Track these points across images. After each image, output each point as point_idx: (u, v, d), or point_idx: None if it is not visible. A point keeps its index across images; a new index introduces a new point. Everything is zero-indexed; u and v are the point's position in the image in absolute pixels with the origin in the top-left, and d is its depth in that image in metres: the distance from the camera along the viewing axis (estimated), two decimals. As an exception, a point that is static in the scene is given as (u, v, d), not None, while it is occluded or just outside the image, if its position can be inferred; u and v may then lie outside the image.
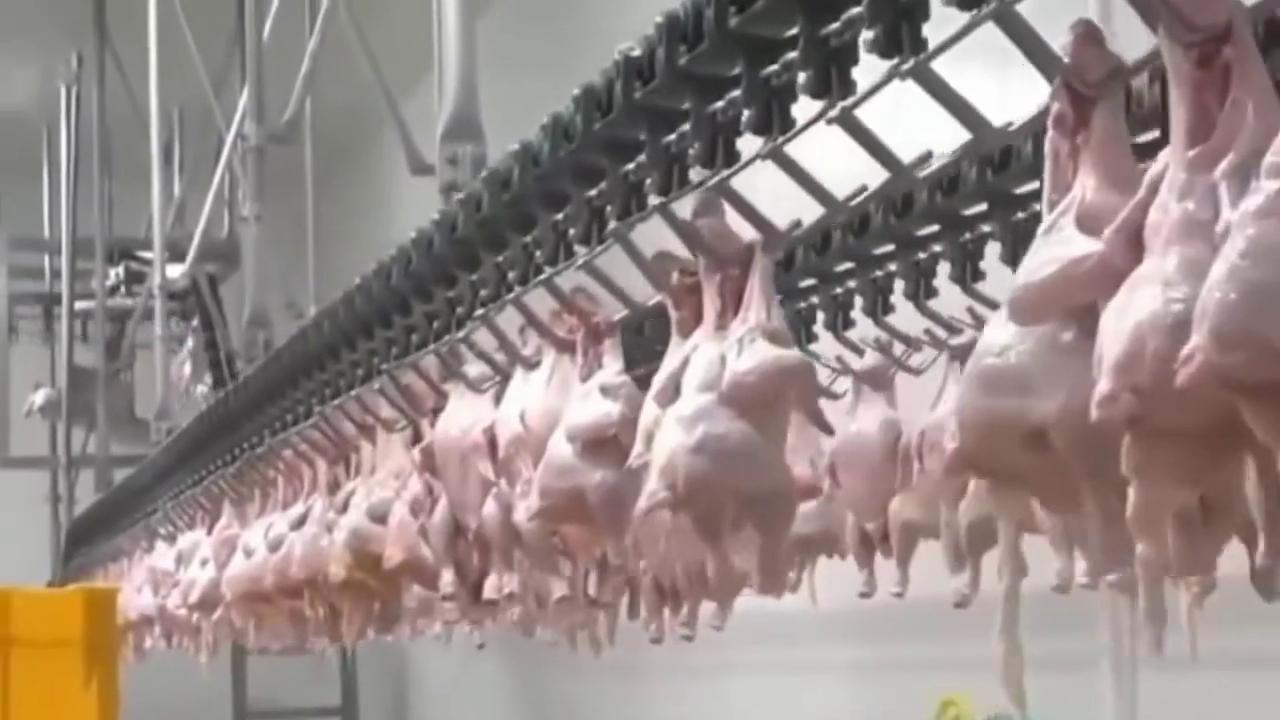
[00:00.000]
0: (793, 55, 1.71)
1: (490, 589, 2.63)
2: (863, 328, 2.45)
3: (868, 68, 1.66)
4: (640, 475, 1.98)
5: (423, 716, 9.53)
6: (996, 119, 1.70)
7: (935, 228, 2.19)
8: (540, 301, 2.33)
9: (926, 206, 2.14)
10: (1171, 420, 1.24)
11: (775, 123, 1.76)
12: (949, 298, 2.25)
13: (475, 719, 8.34)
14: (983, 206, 2.10)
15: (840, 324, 2.45)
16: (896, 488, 2.33)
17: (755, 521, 1.86)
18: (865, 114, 1.69)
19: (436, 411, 2.78)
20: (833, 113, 1.66)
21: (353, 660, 8.79)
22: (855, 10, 1.62)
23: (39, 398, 9.63)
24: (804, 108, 1.76)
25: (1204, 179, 1.27)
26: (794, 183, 1.85)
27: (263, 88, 5.67)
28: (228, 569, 4.13)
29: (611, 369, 2.21)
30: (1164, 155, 1.33)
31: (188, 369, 8.38)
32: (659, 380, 1.94)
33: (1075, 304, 1.37)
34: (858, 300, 2.41)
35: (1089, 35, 1.42)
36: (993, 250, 2.14)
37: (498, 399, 2.52)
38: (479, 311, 2.49)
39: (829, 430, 1.98)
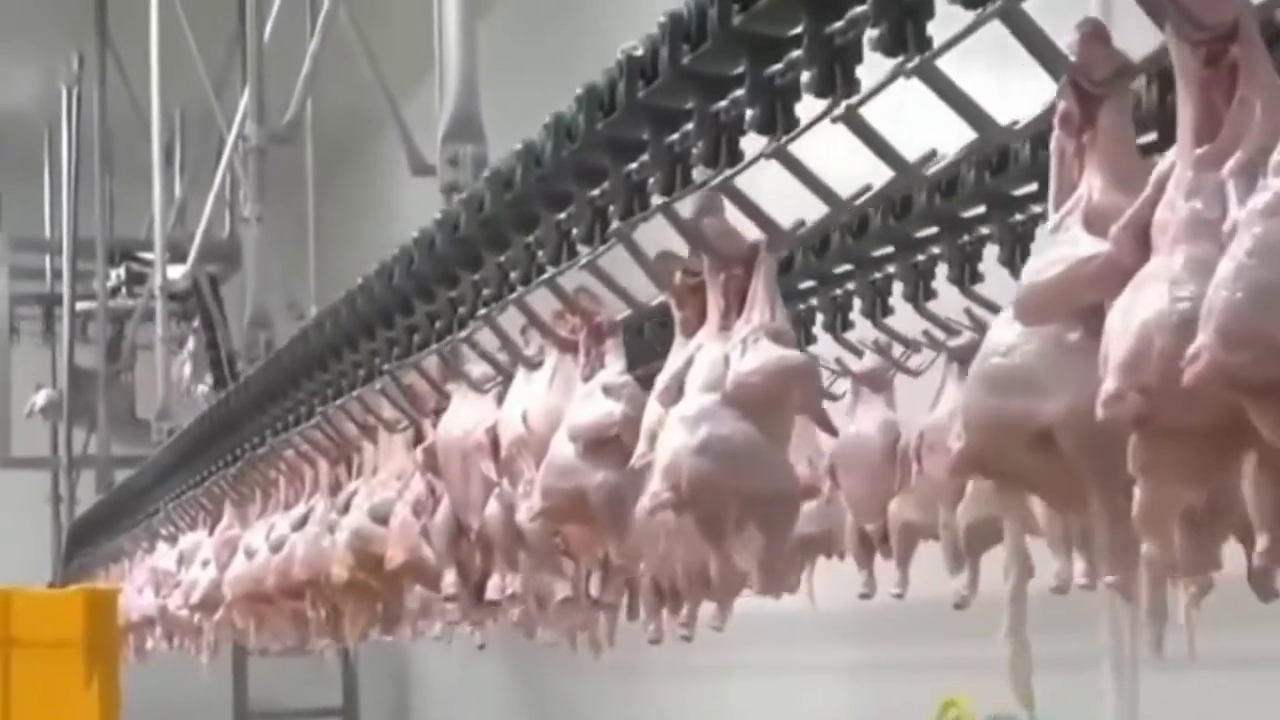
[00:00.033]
0: (797, 54, 1.71)
1: (493, 590, 2.62)
2: (861, 329, 2.45)
3: (871, 66, 1.66)
4: (642, 475, 1.98)
5: (424, 717, 9.53)
6: (997, 119, 1.69)
7: (934, 230, 2.19)
8: (543, 301, 2.33)
9: (925, 208, 2.14)
10: (1178, 419, 1.24)
11: (779, 122, 1.75)
12: (947, 300, 2.25)
13: (476, 720, 8.34)
14: (981, 209, 2.11)
15: (839, 326, 2.45)
16: (895, 489, 2.34)
17: (759, 522, 1.85)
18: (869, 113, 1.69)
19: (438, 412, 2.77)
20: (837, 111, 1.65)
21: (354, 661, 8.79)
22: (860, 9, 1.61)
23: (40, 398, 9.63)
24: (808, 107, 1.75)
25: (1211, 177, 1.26)
26: (796, 183, 1.84)
27: (264, 88, 5.66)
28: (229, 570, 4.13)
29: (614, 369, 2.21)
30: (1171, 154, 1.32)
31: (188, 370, 8.38)
32: (662, 380, 1.93)
33: (1082, 304, 1.37)
34: (856, 302, 2.41)
35: (1095, 34, 1.41)
36: (991, 252, 2.14)
37: (500, 399, 2.51)
38: (481, 311, 2.49)
39: (833, 431, 1.98)
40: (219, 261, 8.31)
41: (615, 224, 2.07)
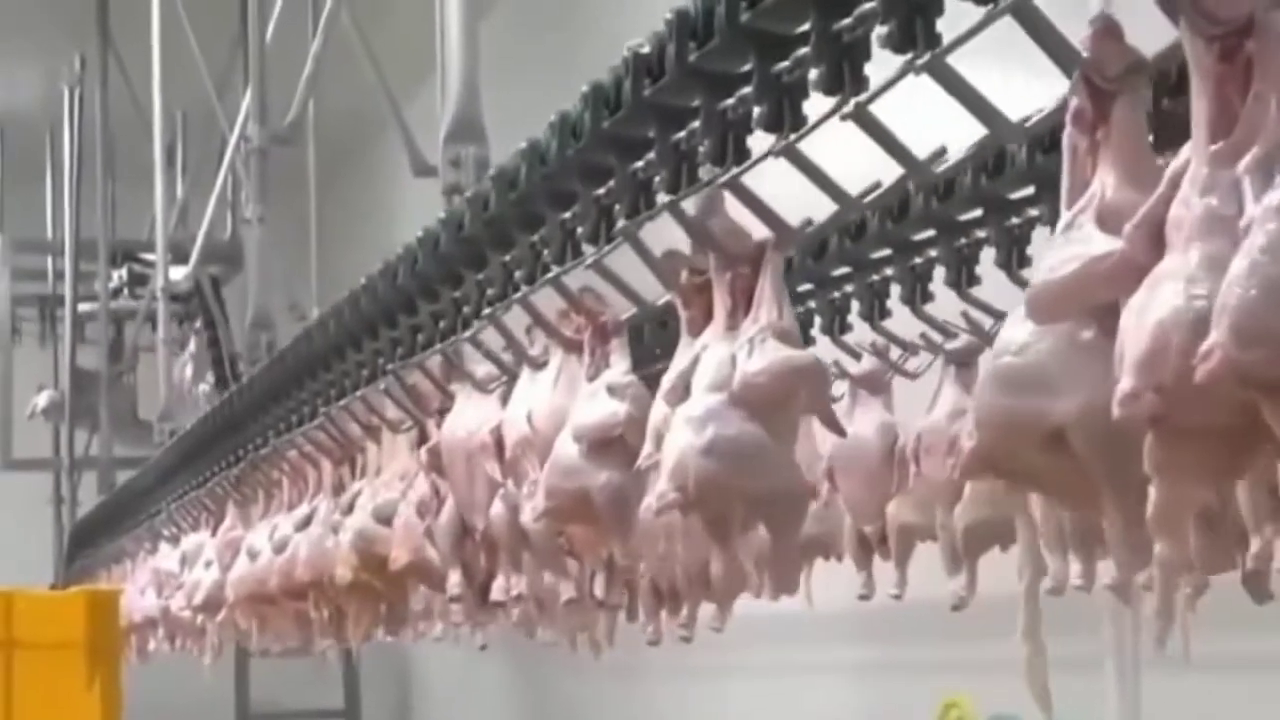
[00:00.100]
0: (805, 51, 1.70)
1: (498, 590, 2.61)
2: (859, 332, 2.45)
3: (878, 63, 1.65)
4: (646, 475, 1.97)
5: (425, 718, 9.52)
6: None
7: (931, 233, 2.19)
8: (548, 301, 2.32)
9: (922, 211, 2.14)
10: (1194, 419, 1.23)
11: (787, 120, 1.74)
12: (944, 302, 2.25)
13: (478, 721, 8.34)
14: (978, 212, 2.11)
15: (837, 328, 2.45)
16: (893, 491, 2.34)
17: (766, 523, 1.84)
18: (876, 111, 1.68)
19: (443, 412, 2.76)
20: (846, 109, 1.64)
21: (356, 662, 8.78)
22: (868, 5, 1.60)
23: (42, 400, 9.62)
24: (814, 105, 1.74)
25: (1227, 174, 1.25)
26: (798, 182, 1.83)
27: (265, 90, 5.65)
28: (232, 571, 4.12)
29: (619, 368, 2.20)
30: (1185, 150, 1.31)
31: (190, 371, 8.37)
32: (668, 379, 1.93)
33: (1095, 302, 1.35)
34: (854, 305, 2.41)
35: (1108, 29, 1.40)
36: (988, 255, 2.14)
37: (505, 399, 2.50)
38: (486, 311, 2.48)
39: (840, 431, 1.97)
40: (221, 263, 8.31)
41: (621, 223, 2.05)
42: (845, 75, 1.65)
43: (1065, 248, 1.38)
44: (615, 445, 2.11)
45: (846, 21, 1.64)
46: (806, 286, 2.42)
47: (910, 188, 2.04)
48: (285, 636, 4.07)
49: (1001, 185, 2.01)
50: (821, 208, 1.91)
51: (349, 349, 3.17)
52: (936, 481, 2.23)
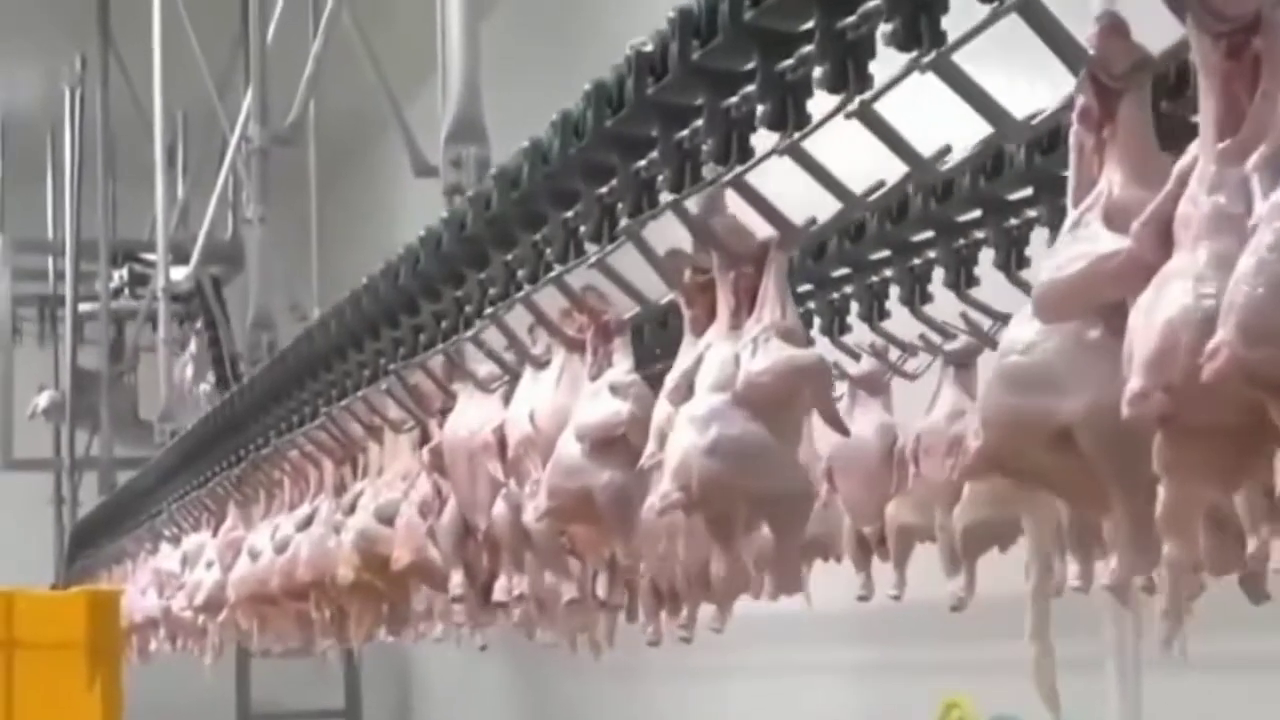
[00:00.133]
0: (809, 49, 1.69)
1: (500, 591, 2.61)
2: (858, 333, 2.45)
3: (883, 61, 1.64)
4: (648, 475, 1.96)
5: (426, 718, 9.52)
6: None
7: (929, 234, 2.19)
8: (550, 300, 2.31)
9: (921, 212, 2.14)
10: (1203, 418, 1.22)
11: (790, 118, 1.74)
12: (943, 304, 2.25)
13: (479, 722, 8.33)
14: (976, 213, 2.11)
15: (836, 329, 2.45)
16: (892, 492, 2.35)
17: (770, 523, 1.84)
18: (880, 109, 1.67)
19: (445, 412, 2.76)
20: (850, 107, 1.64)
21: (357, 662, 8.78)
22: (873, 3, 1.60)
23: (42, 400, 9.61)
24: (819, 103, 1.74)
25: (1235, 171, 1.25)
26: (804, 180, 1.83)
27: (266, 90, 5.65)
28: (233, 571, 4.11)
29: (621, 367, 2.19)
30: (1193, 148, 1.31)
31: (191, 371, 8.36)
32: (672, 379, 1.92)
33: (1102, 301, 1.35)
34: (853, 306, 2.41)
35: (1114, 27, 1.40)
36: (986, 256, 2.15)
37: (507, 399, 2.50)
38: (488, 310, 2.47)
39: (845, 431, 1.97)
40: (222, 263, 8.30)
41: (623, 222, 2.05)
42: (849, 73, 1.64)
43: (1072, 246, 1.37)
44: (618, 445, 2.10)
45: (851, 19, 1.63)
46: (806, 287, 2.42)
47: (909, 189, 2.04)
48: (286, 637, 4.06)
49: (1000, 186, 2.01)
50: (825, 207, 1.91)
51: (351, 348, 3.16)
52: (935, 482, 2.24)
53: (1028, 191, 2.01)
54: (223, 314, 8.28)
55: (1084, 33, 1.46)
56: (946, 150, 1.79)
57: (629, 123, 1.97)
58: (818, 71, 1.67)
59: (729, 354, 1.84)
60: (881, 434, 2.38)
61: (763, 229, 1.89)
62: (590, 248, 2.15)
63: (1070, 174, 1.43)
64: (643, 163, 2.00)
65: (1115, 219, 1.35)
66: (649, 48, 1.89)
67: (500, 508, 2.50)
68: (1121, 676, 3.47)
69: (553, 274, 2.25)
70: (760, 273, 1.86)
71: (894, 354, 2.44)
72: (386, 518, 3.03)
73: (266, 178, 5.63)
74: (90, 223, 8.76)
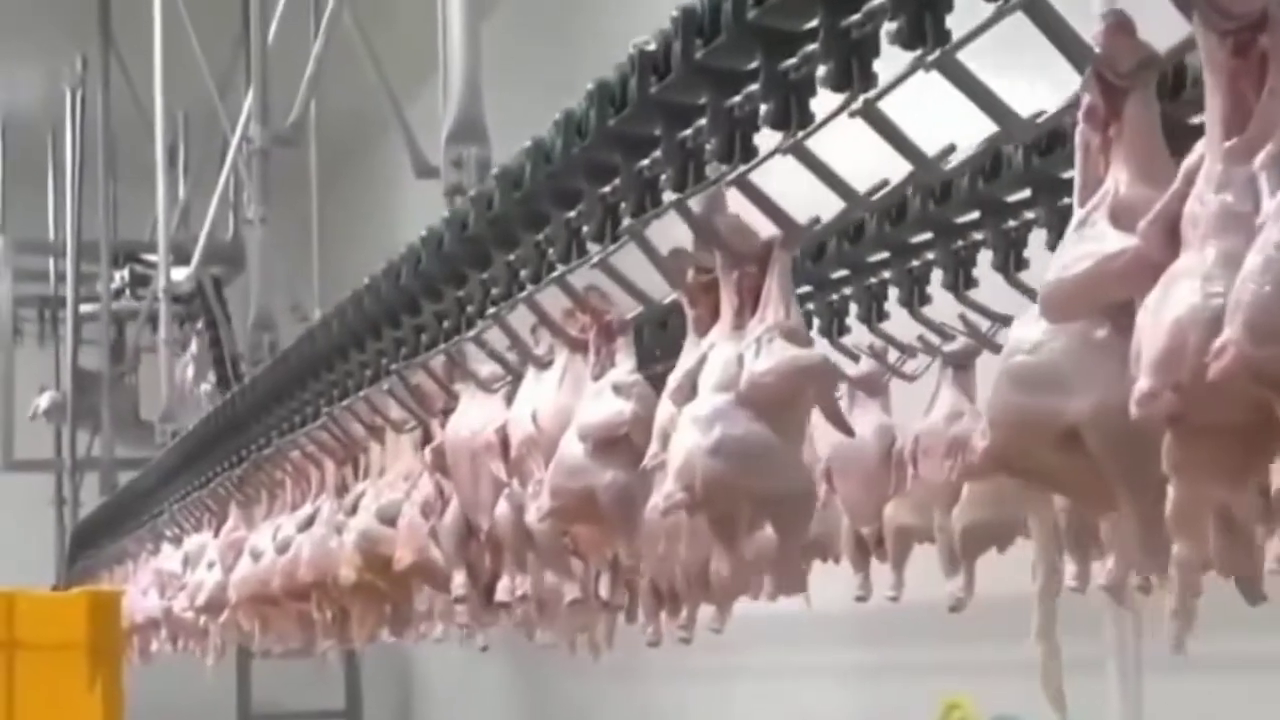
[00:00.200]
0: (812, 48, 1.69)
1: (503, 591, 2.60)
2: (857, 334, 2.45)
3: (887, 60, 1.64)
4: (651, 475, 1.96)
5: (427, 719, 9.51)
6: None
7: (928, 235, 2.19)
8: (553, 300, 2.31)
9: (919, 214, 2.14)
10: (1212, 418, 1.22)
11: (794, 117, 1.73)
12: (942, 305, 2.25)
13: (480, 723, 8.33)
14: (975, 214, 2.10)
15: (835, 331, 2.45)
16: (891, 493, 2.35)
17: (774, 523, 1.83)
18: (884, 108, 1.67)
19: (447, 412, 2.75)
20: (854, 106, 1.63)
21: (357, 663, 8.77)
22: (877, 1, 1.59)
23: (44, 401, 9.61)
24: (822, 102, 1.73)
25: (1242, 170, 1.24)
26: (808, 180, 1.82)
27: (267, 90, 5.64)
28: (235, 571, 4.11)
29: (624, 367, 2.19)
30: (1200, 146, 1.30)
31: (192, 372, 8.36)
32: (675, 378, 1.91)
33: (1109, 300, 1.34)
34: (852, 307, 2.42)
35: (1120, 25, 1.39)
36: (985, 258, 2.15)
37: (509, 399, 2.49)
38: (490, 310, 2.47)
39: (849, 431, 1.97)
40: (223, 263, 8.30)
41: (626, 221, 2.04)
42: (854, 72, 1.64)
43: (1078, 245, 1.37)
44: (621, 444, 2.10)
45: (855, 18, 1.63)
46: (805, 289, 2.42)
47: (908, 190, 2.04)
48: (288, 637, 4.06)
49: (998, 188, 2.01)
50: (829, 206, 1.90)
51: (353, 348, 3.16)
52: (934, 483, 2.25)
53: (1026, 193, 2.01)
54: (224, 314, 8.28)
55: (1088, 31, 1.46)
56: (950, 149, 1.79)
57: (632, 122, 1.96)
58: (821, 70, 1.67)
59: (732, 354, 1.83)
60: (880, 435, 2.39)
61: (766, 228, 1.89)
62: (593, 247, 2.15)
63: (1076, 172, 1.42)
64: (646, 162, 2.00)
65: (1122, 218, 1.35)
66: (652, 46, 1.88)
67: (503, 508, 2.49)
68: (1123, 677, 3.47)
69: (555, 274, 2.25)
70: (764, 272, 1.86)
71: (893, 355, 2.44)
72: (388, 518, 3.03)
73: (267, 178, 5.63)
74: (91, 223, 8.76)
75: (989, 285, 2.16)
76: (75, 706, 5.03)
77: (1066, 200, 1.89)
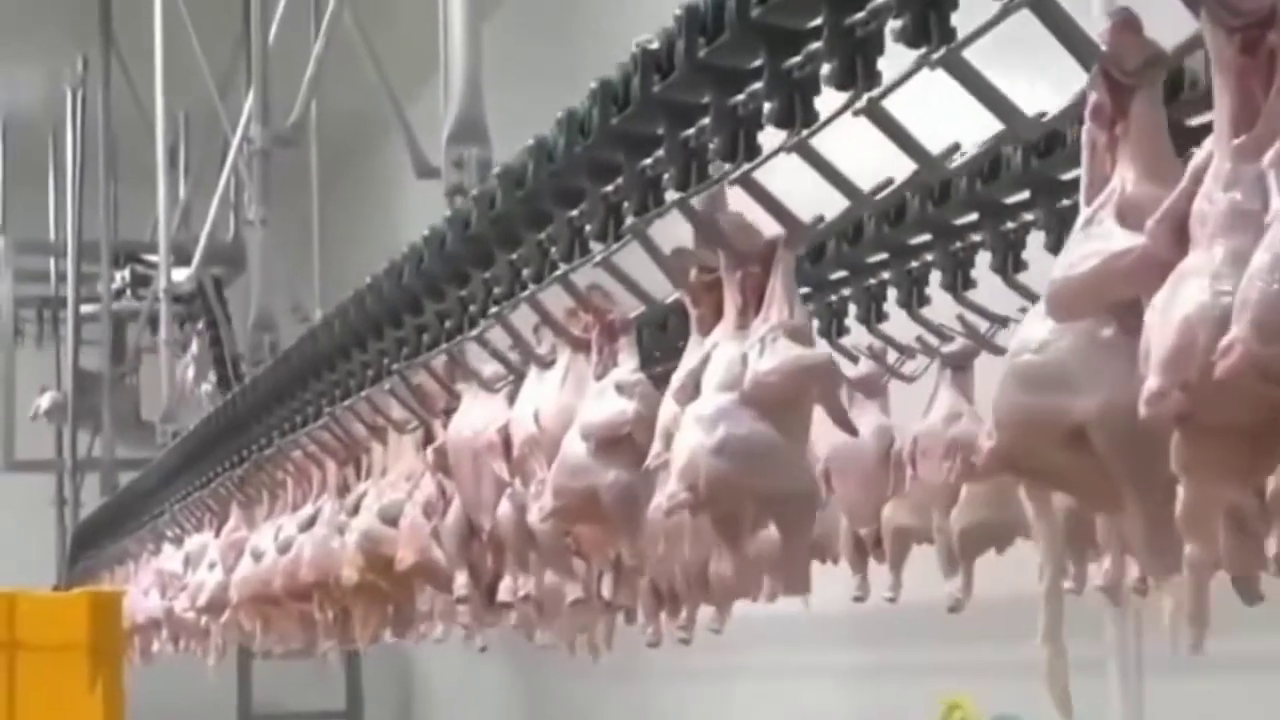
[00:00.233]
0: (816, 46, 1.68)
1: (505, 591, 2.60)
2: (856, 335, 2.45)
3: (891, 58, 1.63)
4: (654, 475, 1.95)
5: (428, 719, 9.52)
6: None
7: (927, 237, 2.19)
8: (555, 299, 2.31)
9: (918, 215, 2.13)
10: (1221, 417, 1.21)
11: (798, 116, 1.73)
12: (941, 306, 2.25)
13: (481, 723, 8.32)
14: (973, 216, 2.10)
15: (834, 331, 2.45)
16: (889, 494, 2.35)
17: (777, 522, 1.83)
18: (889, 107, 1.66)
19: (448, 412, 2.75)
20: (859, 104, 1.63)
21: (358, 664, 8.77)
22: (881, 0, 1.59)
23: (44, 401, 9.60)
24: (826, 100, 1.73)
25: (1250, 168, 1.24)
26: (812, 178, 1.82)
27: (268, 91, 5.64)
28: (236, 572, 4.11)
29: (626, 366, 2.19)
30: (1207, 144, 1.30)
31: (192, 372, 8.35)
32: (678, 378, 1.91)
33: (1116, 299, 1.34)
34: (851, 308, 2.42)
35: (1127, 23, 1.39)
36: (983, 259, 2.15)
37: (511, 398, 2.49)
38: (493, 310, 2.46)
39: (853, 431, 1.96)
40: (223, 264, 8.29)
41: (629, 220, 2.04)
42: (858, 70, 1.63)
43: (1085, 244, 1.36)
44: (623, 444, 2.10)
45: (859, 16, 1.62)
46: (804, 290, 2.42)
47: (906, 191, 2.03)
48: (289, 638, 4.05)
49: (997, 190, 2.01)
50: (832, 205, 1.90)
51: (354, 348, 3.15)
52: (933, 484, 2.25)
53: (1024, 195, 2.01)
54: (224, 315, 8.27)
55: (1090, 29, 1.45)
56: (955, 148, 1.79)
57: (635, 121, 1.96)
58: (825, 68, 1.66)
59: (736, 353, 1.83)
60: (879, 436, 2.39)
61: (770, 227, 1.88)
62: (595, 246, 2.15)
63: (1083, 171, 1.42)
64: (649, 161, 2.00)
65: (1128, 216, 1.34)
66: (655, 45, 1.88)
67: (505, 508, 2.49)
68: (1124, 677, 3.47)
69: (558, 273, 2.24)
70: (767, 271, 1.85)
71: (892, 356, 2.44)
72: (390, 518, 3.02)
73: (268, 178, 5.63)
74: (92, 224, 8.76)
75: (987, 287, 2.16)
76: (76, 707, 5.03)
77: (1065, 202, 1.90)
